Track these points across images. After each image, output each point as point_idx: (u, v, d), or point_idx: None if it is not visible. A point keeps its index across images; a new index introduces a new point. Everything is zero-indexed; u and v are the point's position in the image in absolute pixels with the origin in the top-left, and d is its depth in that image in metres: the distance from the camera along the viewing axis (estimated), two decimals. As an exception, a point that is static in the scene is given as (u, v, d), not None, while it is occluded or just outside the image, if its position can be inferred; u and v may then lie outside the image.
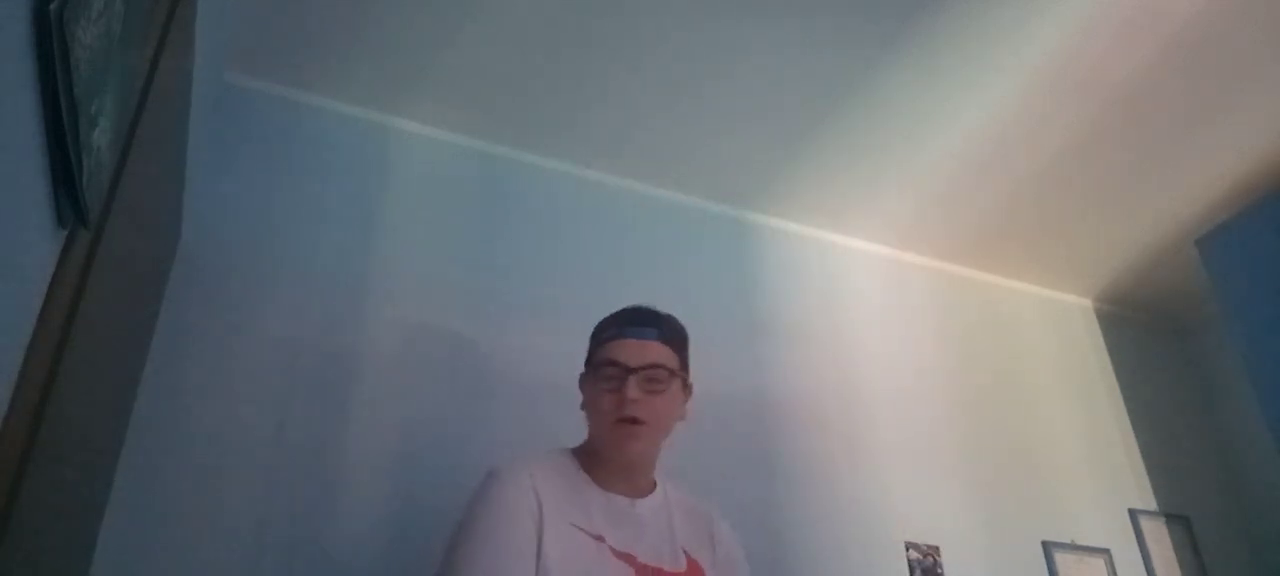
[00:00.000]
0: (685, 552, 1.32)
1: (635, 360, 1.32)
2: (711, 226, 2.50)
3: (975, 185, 2.49)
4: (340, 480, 1.75)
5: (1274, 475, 2.53)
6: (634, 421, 1.30)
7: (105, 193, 1.02)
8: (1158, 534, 2.52)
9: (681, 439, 2.06)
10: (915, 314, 2.66)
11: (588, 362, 1.42)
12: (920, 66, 2.10)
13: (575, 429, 1.80)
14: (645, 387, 1.31)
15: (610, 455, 1.34)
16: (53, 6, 0.70)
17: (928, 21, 1.98)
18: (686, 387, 1.41)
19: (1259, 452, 2.56)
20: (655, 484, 1.39)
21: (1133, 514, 2.53)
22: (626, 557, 1.25)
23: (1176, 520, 2.58)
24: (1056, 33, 2.02)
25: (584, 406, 1.42)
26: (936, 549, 2.20)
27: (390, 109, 2.20)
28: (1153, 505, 2.60)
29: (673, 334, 1.40)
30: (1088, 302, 3.02)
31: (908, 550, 2.17)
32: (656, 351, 1.35)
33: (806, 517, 2.12)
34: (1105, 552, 2.40)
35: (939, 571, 2.17)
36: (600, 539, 1.25)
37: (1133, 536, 2.50)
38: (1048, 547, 2.34)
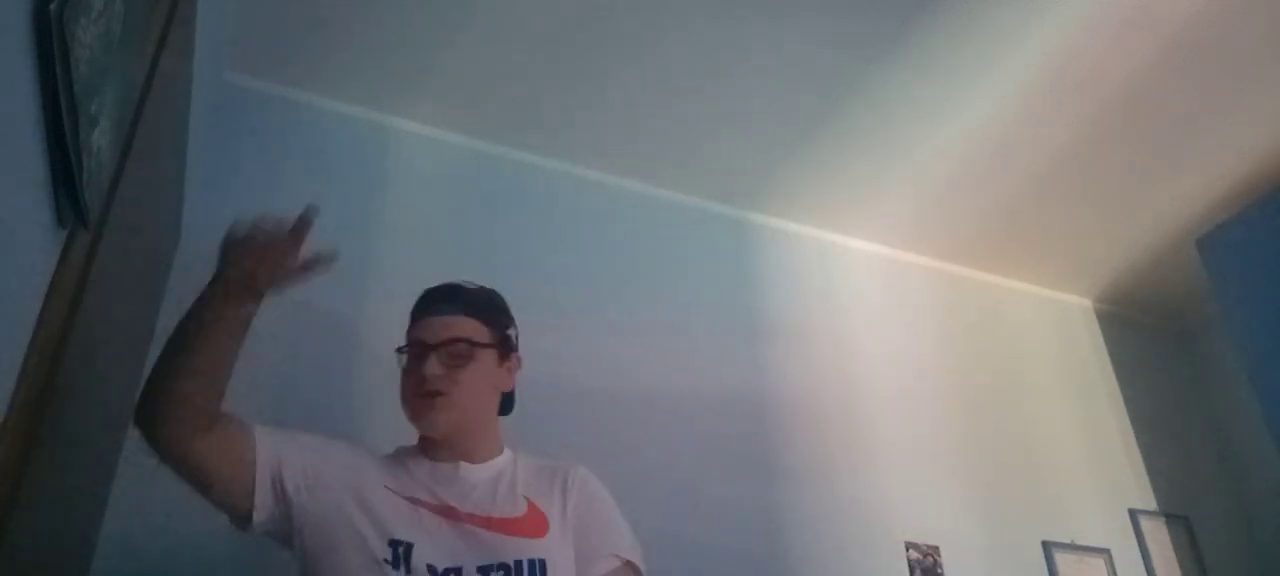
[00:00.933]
0: (527, 499, 1.31)
1: (434, 337, 1.35)
2: (711, 226, 2.50)
3: (975, 185, 2.49)
4: (340, 480, 1.75)
5: (1274, 475, 2.53)
6: (434, 394, 1.31)
7: (105, 193, 1.02)
8: (1158, 534, 2.52)
9: (680, 439, 2.07)
10: (915, 314, 2.66)
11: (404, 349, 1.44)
12: (920, 66, 2.10)
13: (575, 427, 1.81)
14: (447, 363, 1.33)
15: (420, 431, 1.36)
16: (53, 6, 0.70)
17: (928, 22, 1.98)
18: (507, 358, 1.42)
19: (1259, 452, 2.56)
20: (500, 450, 1.39)
21: (1133, 514, 2.53)
22: (446, 511, 1.26)
23: (1176, 520, 2.58)
24: (1056, 33, 2.02)
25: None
26: (936, 549, 2.20)
27: (390, 109, 2.20)
28: (1153, 505, 2.60)
29: (478, 305, 1.42)
30: (1088, 303, 3.02)
31: (908, 550, 2.17)
32: (458, 326, 1.37)
33: (806, 517, 2.12)
34: (1105, 552, 2.40)
35: (939, 571, 2.17)
36: (414, 499, 1.27)
37: (1133, 536, 2.50)
38: (1048, 547, 2.34)
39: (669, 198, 2.48)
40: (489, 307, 1.44)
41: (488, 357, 1.38)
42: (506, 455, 1.39)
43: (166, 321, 1.72)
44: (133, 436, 1.59)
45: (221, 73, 2.02)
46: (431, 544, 1.22)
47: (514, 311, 2.12)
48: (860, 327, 2.53)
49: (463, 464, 1.32)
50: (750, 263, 2.49)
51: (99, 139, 0.91)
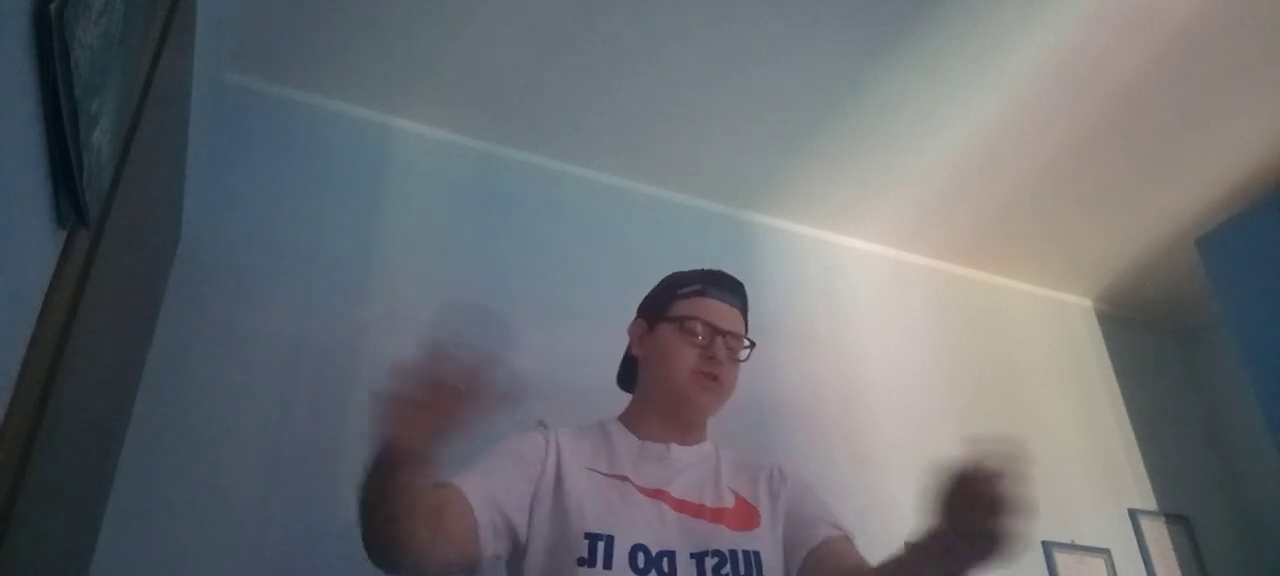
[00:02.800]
0: (733, 492, 1.28)
1: (724, 324, 1.33)
2: (712, 226, 2.50)
3: (975, 185, 2.49)
4: (341, 480, 1.75)
5: (1274, 475, 2.53)
6: (715, 378, 1.30)
7: (105, 193, 1.02)
8: (1158, 534, 2.52)
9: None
10: (915, 314, 2.66)
11: (656, 312, 1.39)
12: (921, 67, 2.10)
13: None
14: (728, 353, 1.33)
15: (680, 409, 1.32)
16: (53, 6, 0.70)
17: (927, 22, 1.98)
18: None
19: (1259, 453, 2.56)
20: (705, 437, 1.38)
21: (1133, 514, 2.53)
22: (656, 493, 1.23)
23: (1176, 520, 2.58)
24: (1056, 33, 2.02)
25: (644, 358, 1.39)
26: (936, 549, 2.19)
27: (391, 109, 2.20)
28: (1153, 505, 2.60)
29: (746, 306, 1.42)
30: (1088, 303, 3.02)
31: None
32: (737, 320, 1.36)
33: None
34: (1105, 552, 2.40)
35: (939, 571, 2.17)
36: (624, 479, 1.24)
37: (1133, 536, 2.50)
38: (1048, 547, 2.33)
39: (670, 198, 2.48)
40: (747, 309, 1.43)
41: (743, 362, 1.38)
42: (709, 445, 1.37)
43: (166, 321, 1.73)
44: (133, 435, 1.60)
45: (221, 73, 2.03)
46: (643, 527, 1.18)
47: (514, 311, 2.13)
48: (860, 327, 2.53)
49: (675, 445, 1.30)
50: (751, 262, 2.49)
51: (99, 139, 0.91)
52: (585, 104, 2.19)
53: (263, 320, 1.84)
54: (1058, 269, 2.86)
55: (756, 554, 1.20)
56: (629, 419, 1.37)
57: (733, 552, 1.18)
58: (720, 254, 2.49)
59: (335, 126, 2.15)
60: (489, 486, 1.16)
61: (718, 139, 2.31)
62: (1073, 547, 2.36)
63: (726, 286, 1.39)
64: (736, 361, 1.34)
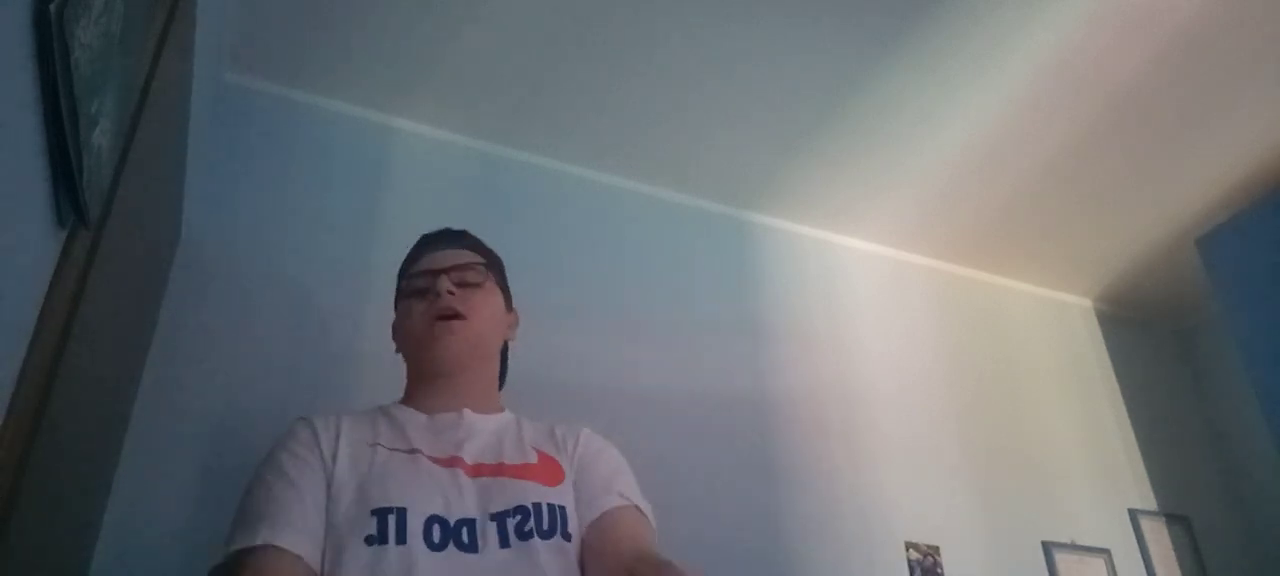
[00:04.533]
0: (536, 449, 1.22)
1: (443, 264, 1.30)
2: (711, 226, 2.50)
3: (975, 185, 2.49)
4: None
5: (1274, 475, 2.53)
6: (453, 315, 1.25)
7: (105, 193, 1.02)
8: (1158, 534, 2.52)
9: (680, 439, 2.07)
10: (915, 314, 2.66)
11: (397, 301, 1.36)
12: (920, 66, 2.10)
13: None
14: (460, 285, 1.28)
15: (432, 359, 1.26)
16: (53, 6, 0.70)
17: (927, 22, 1.98)
18: (511, 310, 1.39)
19: (1259, 452, 2.56)
20: (501, 409, 1.31)
21: (1133, 514, 2.53)
22: (450, 461, 1.15)
23: (1176, 520, 2.58)
24: (1056, 33, 2.02)
25: (397, 341, 1.35)
26: (936, 549, 2.20)
27: (390, 109, 2.20)
28: (1153, 505, 2.60)
29: (480, 245, 1.39)
30: (1088, 303, 3.02)
31: (908, 550, 2.17)
32: (464, 257, 1.33)
33: (806, 517, 2.12)
34: (1105, 552, 2.40)
35: (939, 571, 2.17)
36: (416, 452, 1.16)
37: (1133, 536, 2.50)
38: (1048, 547, 2.34)
39: (670, 198, 2.48)
40: (490, 253, 1.40)
41: (495, 293, 1.34)
42: (509, 414, 1.31)
43: (167, 321, 1.73)
44: (133, 435, 1.60)
45: (221, 73, 2.02)
46: (437, 496, 1.10)
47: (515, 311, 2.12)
48: (860, 327, 2.53)
49: (467, 411, 1.23)
50: (751, 263, 2.49)
51: (99, 139, 0.91)
52: (585, 104, 2.19)
53: (263, 320, 1.84)
54: (1058, 269, 2.86)
55: (562, 508, 1.13)
56: (409, 400, 1.30)
57: (536, 506, 1.11)
58: (720, 254, 2.51)
59: (335, 126, 2.15)
60: (290, 524, 1.06)
61: (718, 139, 2.31)
62: (1073, 547, 2.36)
63: (440, 238, 1.37)
64: (476, 288, 1.29)
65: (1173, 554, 2.51)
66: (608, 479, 1.22)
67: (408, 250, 2.05)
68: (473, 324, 1.27)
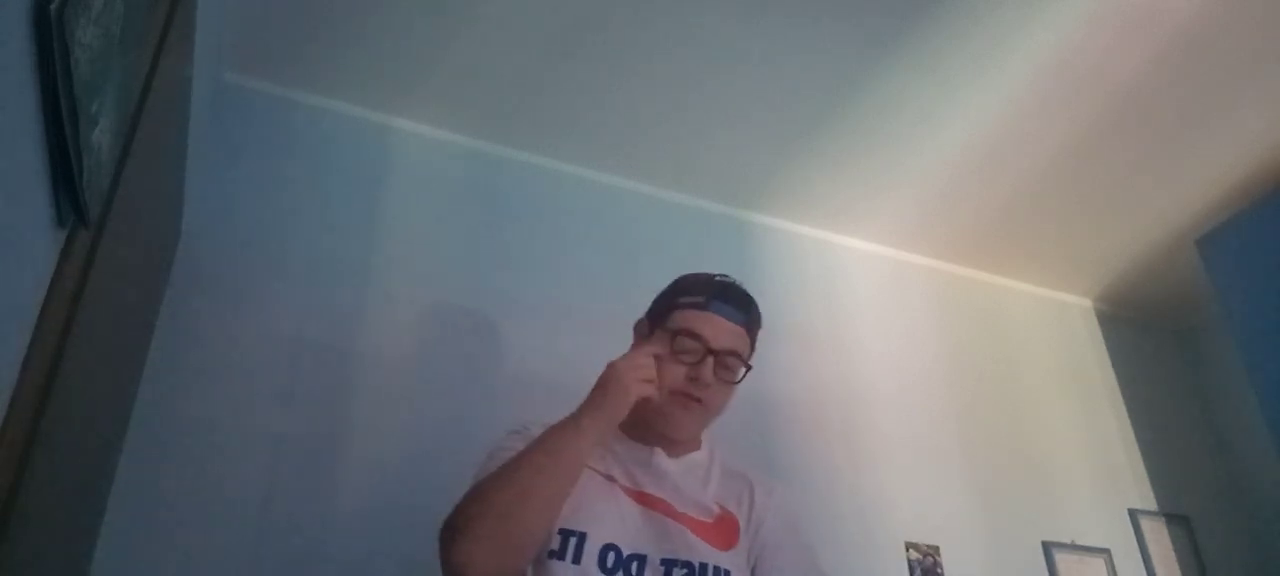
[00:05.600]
0: (719, 504, 1.24)
1: (719, 343, 1.26)
2: (711, 226, 2.50)
3: (975, 185, 2.49)
4: (341, 478, 1.75)
5: (1274, 475, 2.53)
6: (698, 400, 1.25)
7: (105, 193, 1.02)
8: (1158, 534, 2.52)
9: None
10: (915, 314, 2.66)
11: (659, 315, 1.33)
12: (921, 67, 2.10)
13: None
14: (719, 372, 1.26)
15: (657, 425, 1.27)
16: (53, 6, 0.70)
17: (927, 22, 1.98)
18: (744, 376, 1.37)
19: (1259, 453, 2.56)
20: (700, 444, 1.34)
21: (1133, 514, 2.53)
22: (639, 495, 1.21)
23: (1176, 520, 2.58)
24: (1057, 32, 2.02)
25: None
26: (936, 549, 2.19)
27: (390, 109, 2.20)
28: (1153, 505, 2.60)
29: (756, 323, 1.35)
30: (1088, 303, 3.02)
31: (908, 550, 2.17)
32: (740, 338, 1.29)
33: (806, 517, 2.11)
34: (1105, 552, 2.40)
35: (939, 571, 2.17)
36: (610, 478, 1.22)
37: (1133, 536, 2.50)
38: (1048, 547, 2.34)
39: (669, 198, 2.48)
40: (759, 326, 1.37)
41: (740, 378, 1.32)
42: (704, 451, 1.33)
43: (167, 321, 1.73)
44: (133, 435, 1.60)
45: (221, 73, 2.03)
46: (619, 525, 1.16)
47: (514, 310, 2.13)
48: (860, 327, 2.53)
49: (658, 451, 1.26)
50: (751, 263, 2.49)
51: (99, 139, 0.91)
52: (585, 104, 2.19)
53: (263, 320, 1.84)
54: (1058, 269, 2.86)
55: (727, 572, 1.16)
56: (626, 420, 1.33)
57: (702, 566, 1.15)
58: (720, 254, 2.50)
59: (335, 126, 2.15)
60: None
61: (718, 139, 2.31)
62: (1073, 547, 2.36)
63: (733, 301, 1.31)
64: (728, 383, 1.29)
65: (1173, 554, 2.51)
66: (798, 566, 1.25)
67: (405, 249, 2.06)
68: (709, 411, 1.29)
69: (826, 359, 2.41)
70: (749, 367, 1.32)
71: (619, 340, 2.37)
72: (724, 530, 1.22)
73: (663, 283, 2.46)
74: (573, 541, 1.13)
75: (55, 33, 0.71)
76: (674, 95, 2.17)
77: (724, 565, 1.16)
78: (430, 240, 2.11)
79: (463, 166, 2.26)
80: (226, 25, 1.92)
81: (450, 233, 2.14)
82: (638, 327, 1.40)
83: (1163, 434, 2.77)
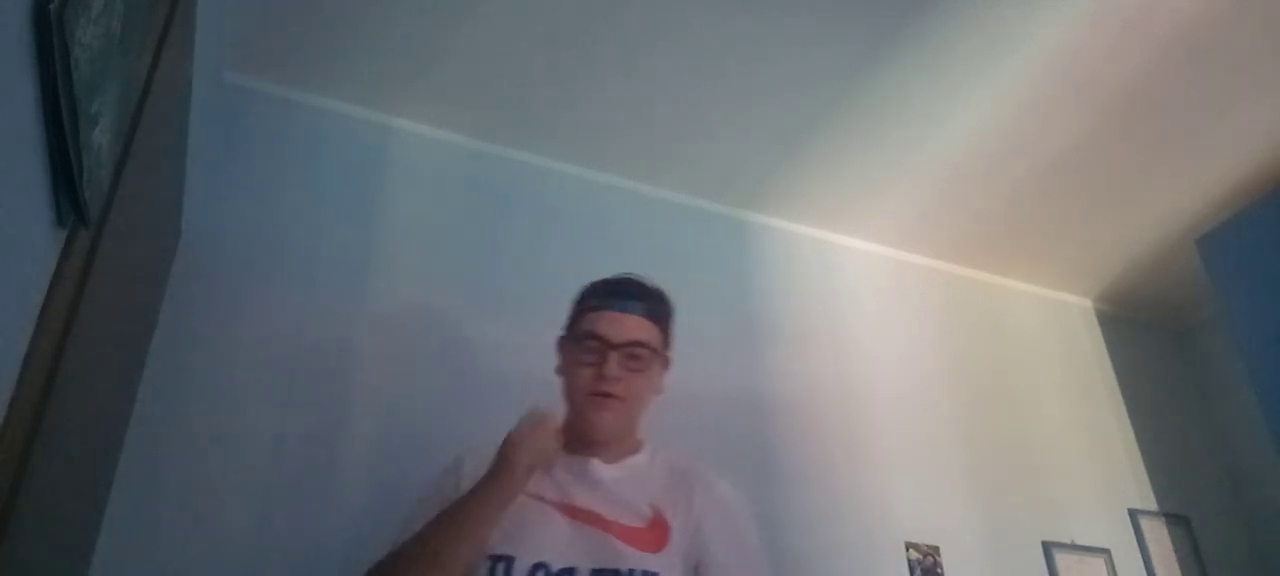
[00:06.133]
0: (653, 507, 1.26)
1: (618, 336, 1.30)
2: (711, 226, 2.50)
3: (975, 185, 2.49)
4: (341, 478, 1.75)
5: (1274, 475, 2.53)
6: (608, 397, 1.29)
7: (105, 193, 1.02)
8: (1158, 534, 2.52)
9: (679, 440, 2.06)
10: (915, 314, 2.66)
11: (569, 327, 1.39)
12: (920, 66, 2.10)
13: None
14: (625, 365, 1.30)
15: (580, 426, 1.31)
16: (53, 6, 0.70)
17: (928, 21, 1.98)
18: (666, 363, 1.39)
19: (1259, 452, 2.56)
20: (639, 447, 1.36)
21: (1133, 514, 2.53)
22: (568, 509, 1.23)
23: (1176, 520, 2.58)
24: (1057, 33, 2.02)
25: (559, 370, 1.38)
26: (936, 549, 2.19)
27: (390, 109, 2.20)
28: (1153, 505, 2.60)
29: (658, 309, 1.38)
30: (1088, 303, 3.02)
31: (908, 550, 2.17)
32: (640, 327, 1.33)
33: (806, 518, 2.12)
34: (1105, 552, 2.40)
35: (939, 571, 2.17)
36: (539, 498, 1.25)
37: (1133, 536, 2.50)
38: (1048, 547, 2.33)
39: (669, 198, 2.48)
40: (665, 312, 1.39)
41: (656, 365, 1.35)
42: (644, 454, 1.35)
43: (167, 321, 1.73)
44: (133, 435, 1.60)
45: (221, 73, 2.02)
46: (547, 543, 1.19)
47: (513, 310, 2.13)
48: (860, 328, 2.53)
49: (593, 461, 1.29)
50: (750, 263, 2.49)
51: (99, 139, 0.91)
52: (583, 103, 2.19)
53: (263, 319, 1.84)
54: (1058, 269, 2.86)
55: (655, 575, 1.18)
56: (565, 425, 1.35)
57: (630, 571, 1.17)
58: (719, 254, 2.51)
59: (334, 126, 2.15)
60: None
61: (717, 138, 2.31)
62: (1073, 547, 2.36)
63: (629, 294, 1.35)
64: (637, 373, 1.30)
65: (1173, 554, 2.51)
66: (734, 568, 1.26)
67: (405, 248, 2.06)
68: (628, 405, 1.31)
69: (826, 359, 2.41)
70: (666, 357, 1.36)
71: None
72: (655, 533, 1.24)
73: (663, 282, 2.46)
74: (501, 566, 1.17)
75: (55, 33, 0.71)
76: (673, 95, 2.17)
77: (652, 568, 1.18)
78: (429, 240, 2.11)
79: (462, 166, 2.26)
80: (226, 25, 1.92)
81: (449, 232, 2.14)
82: (558, 344, 1.43)
83: (1163, 434, 2.77)
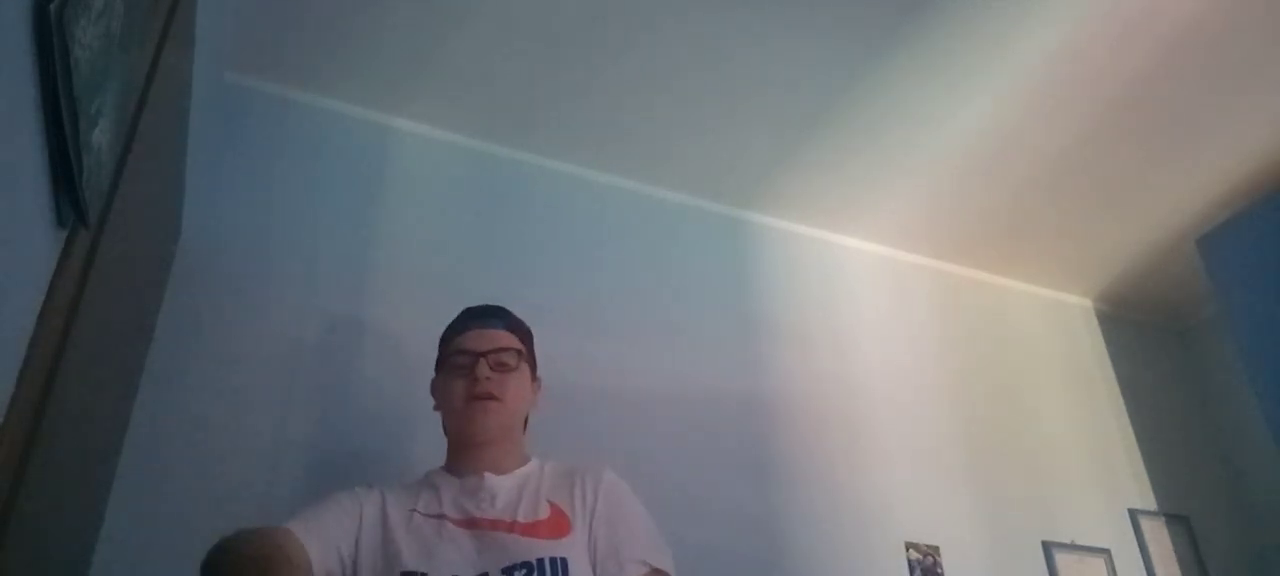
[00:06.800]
0: (550, 503, 1.34)
1: (483, 345, 1.41)
2: (710, 226, 2.50)
3: (975, 185, 2.49)
4: (341, 479, 1.75)
5: (1274, 475, 2.53)
6: (488, 397, 1.38)
7: (105, 193, 1.02)
8: (1158, 534, 2.52)
9: (679, 440, 2.07)
10: (915, 314, 2.66)
11: (438, 365, 1.48)
12: (921, 65, 2.10)
13: (573, 428, 1.80)
14: (495, 369, 1.40)
15: (467, 434, 1.39)
16: (53, 6, 0.70)
17: (928, 21, 1.98)
18: (535, 380, 1.50)
19: (1259, 452, 2.56)
20: (526, 460, 1.43)
21: (1133, 514, 2.53)
22: (469, 522, 1.29)
23: (1176, 520, 2.58)
24: (1057, 33, 2.02)
25: (438, 407, 1.47)
26: (936, 549, 2.19)
27: (390, 109, 2.20)
28: (1153, 505, 2.60)
29: (516, 325, 1.50)
30: (1088, 303, 3.02)
31: (908, 550, 2.17)
32: (503, 338, 1.44)
33: (806, 518, 2.12)
34: (1105, 552, 2.40)
35: (939, 571, 2.17)
36: (441, 517, 1.31)
37: (1133, 536, 2.50)
38: (1048, 547, 2.33)
39: (668, 197, 2.48)
40: (523, 329, 1.51)
41: (525, 371, 1.46)
42: (533, 464, 1.43)
43: (166, 321, 1.73)
44: (133, 435, 1.60)
45: (221, 73, 2.02)
46: (457, 557, 1.24)
47: (513, 310, 2.12)
48: (860, 328, 2.53)
49: (488, 475, 1.36)
50: (749, 263, 2.49)
51: (99, 138, 0.91)
52: (583, 103, 2.19)
53: (263, 319, 1.84)
54: (1058, 269, 2.86)
55: (563, 560, 1.24)
56: (448, 463, 1.44)
57: (540, 561, 1.23)
58: (719, 253, 2.51)
59: (334, 126, 2.15)
60: (315, 525, 1.24)
61: (717, 138, 2.31)
62: (1073, 547, 2.36)
63: (483, 314, 1.48)
64: (512, 371, 1.41)
65: (1173, 554, 2.51)
66: (629, 544, 1.32)
67: (405, 248, 2.06)
68: (506, 404, 1.40)
69: (825, 359, 2.41)
70: (527, 359, 1.46)
71: (617, 340, 2.38)
72: (555, 523, 1.31)
73: (663, 282, 2.48)
74: None
75: (55, 33, 0.71)
76: (673, 94, 2.17)
77: (559, 554, 1.25)
78: (430, 240, 2.11)
79: (461, 165, 2.26)
80: (226, 25, 1.92)
81: (450, 232, 2.14)
82: (432, 387, 1.51)
83: (1163, 434, 2.77)
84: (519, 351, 1.44)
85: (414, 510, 1.32)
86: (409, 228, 2.10)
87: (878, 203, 2.56)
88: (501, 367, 1.41)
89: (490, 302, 1.52)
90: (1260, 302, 2.37)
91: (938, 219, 2.63)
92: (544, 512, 1.32)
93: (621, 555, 1.30)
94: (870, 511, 2.20)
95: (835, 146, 2.35)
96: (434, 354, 1.94)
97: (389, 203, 2.11)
